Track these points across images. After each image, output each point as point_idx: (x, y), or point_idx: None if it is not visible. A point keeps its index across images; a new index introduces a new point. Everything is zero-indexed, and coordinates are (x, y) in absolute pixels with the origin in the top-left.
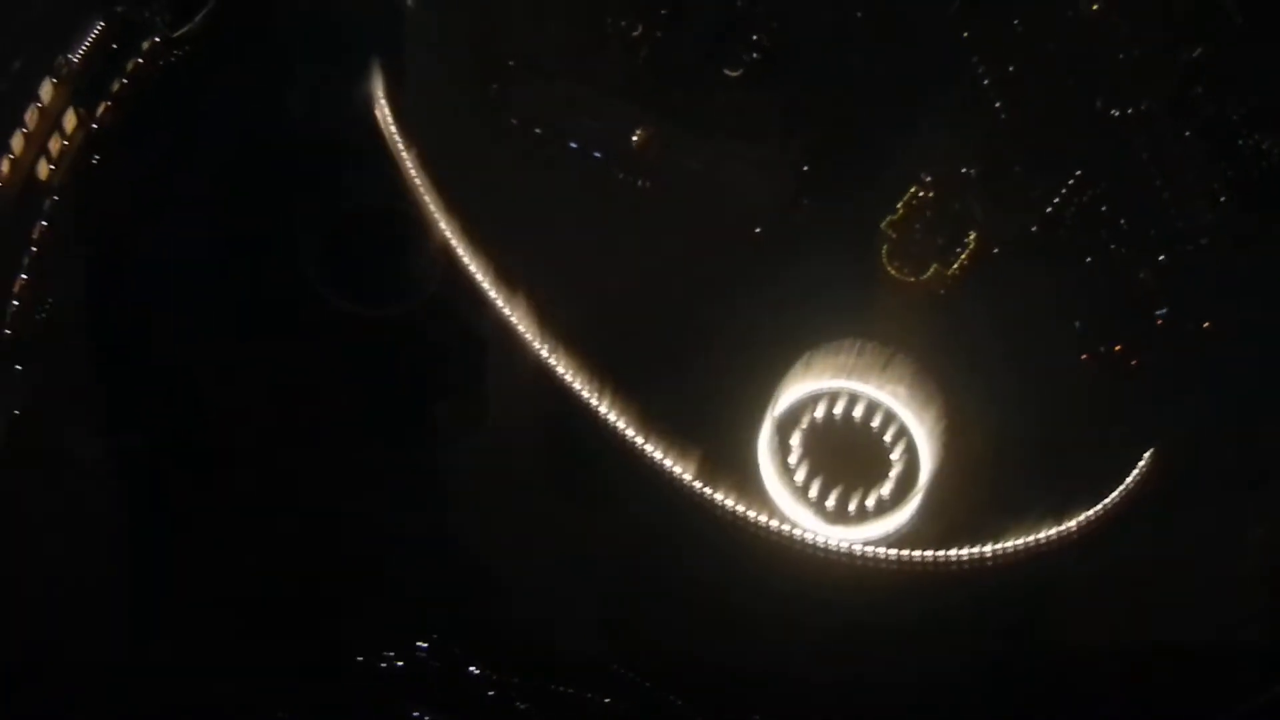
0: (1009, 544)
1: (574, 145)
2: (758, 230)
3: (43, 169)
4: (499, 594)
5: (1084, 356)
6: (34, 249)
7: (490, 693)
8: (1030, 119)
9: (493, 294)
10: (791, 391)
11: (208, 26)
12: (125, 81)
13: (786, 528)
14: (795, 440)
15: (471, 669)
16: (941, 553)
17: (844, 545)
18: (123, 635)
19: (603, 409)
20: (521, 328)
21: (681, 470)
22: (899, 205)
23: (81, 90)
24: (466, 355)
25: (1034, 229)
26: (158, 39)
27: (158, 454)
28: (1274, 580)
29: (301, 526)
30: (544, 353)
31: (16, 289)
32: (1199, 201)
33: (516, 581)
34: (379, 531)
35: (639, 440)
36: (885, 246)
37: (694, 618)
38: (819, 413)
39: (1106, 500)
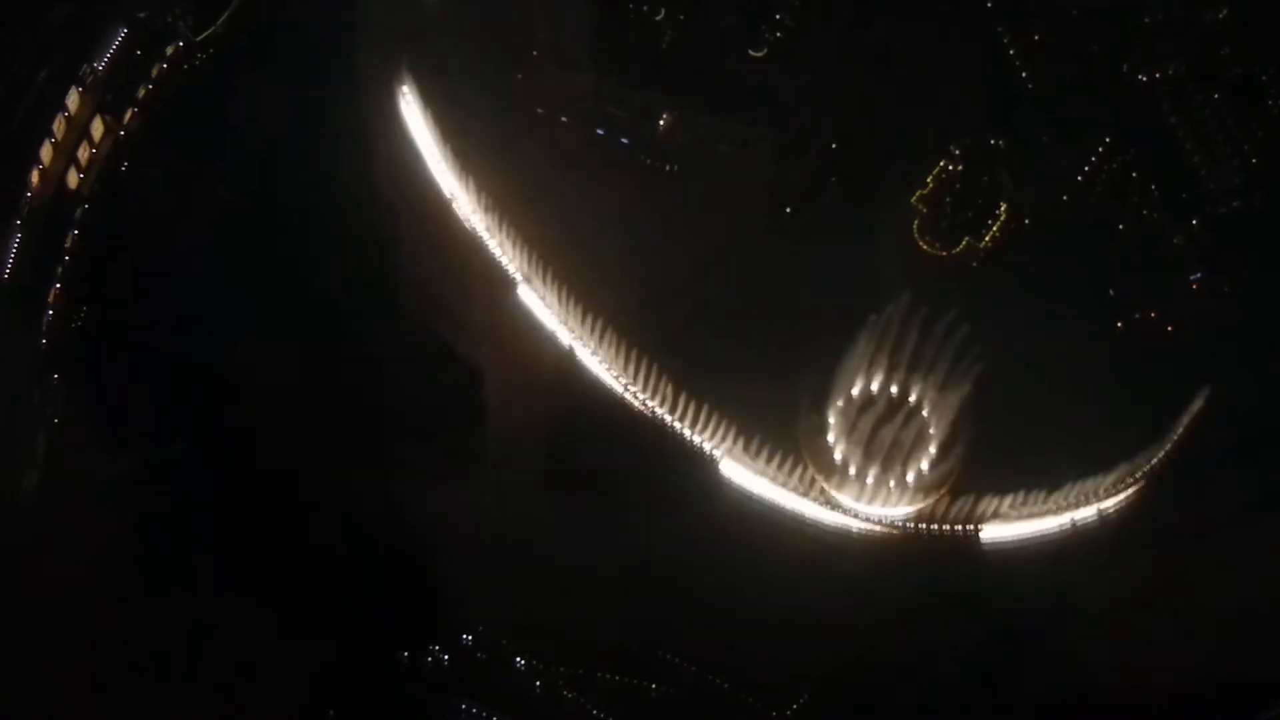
0: (1046, 525)
1: (601, 132)
2: (788, 210)
3: (72, 178)
4: (542, 585)
5: (1119, 324)
6: (67, 258)
7: (537, 683)
8: (1056, 86)
9: (524, 284)
10: (828, 370)
11: (231, 29)
12: (151, 87)
13: (826, 512)
14: (833, 418)
15: (518, 660)
16: (977, 529)
17: (876, 526)
18: (164, 636)
19: (636, 396)
20: (553, 317)
21: (718, 454)
22: (928, 179)
23: (108, 98)
24: (499, 347)
25: (1064, 198)
26: (181, 43)
27: (195, 459)
28: None
29: (342, 526)
30: (577, 343)
31: (51, 298)
32: (1229, 163)
33: (560, 572)
34: (420, 527)
35: (674, 427)
36: (916, 221)
37: (737, 601)
38: (856, 390)
39: (1140, 472)
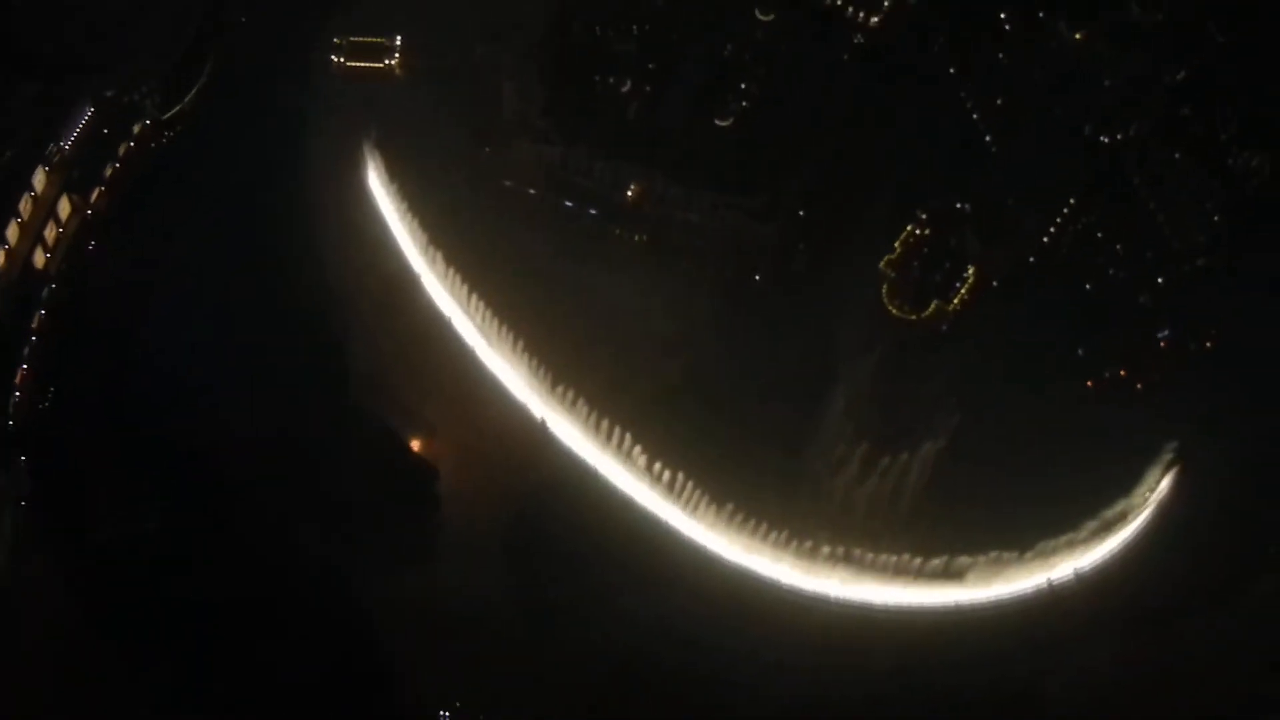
0: (1020, 588)
1: (569, 203)
2: (757, 278)
3: (39, 258)
4: (517, 659)
5: (1088, 383)
6: (34, 338)
7: None
8: (1021, 150)
9: (494, 356)
10: (801, 435)
11: (198, 107)
12: (118, 166)
13: (802, 577)
14: (806, 483)
15: None
16: (951, 597)
17: (852, 592)
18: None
19: (605, 464)
20: (524, 389)
21: (693, 524)
22: (896, 244)
23: (74, 177)
24: (470, 420)
25: (1031, 259)
26: (148, 122)
27: (167, 536)
28: None
29: (316, 605)
30: (549, 414)
31: (18, 379)
32: (1193, 221)
33: (533, 646)
34: (396, 602)
35: (647, 498)
36: (885, 286)
37: (711, 678)
38: (829, 454)
39: (1119, 536)
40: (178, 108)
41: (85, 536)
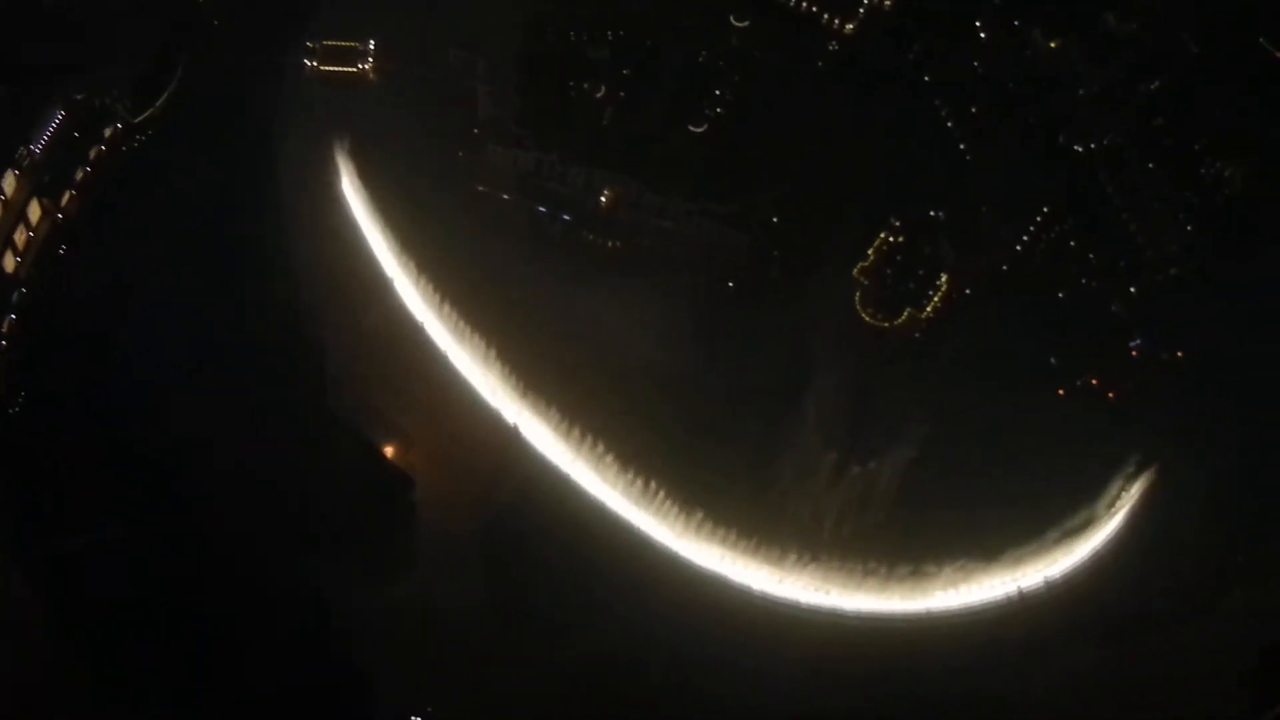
0: (990, 596)
1: (543, 209)
2: (730, 285)
3: (9, 261)
4: (491, 666)
5: (1060, 391)
6: (3, 343)
7: None
8: (995, 159)
9: (466, 361)
10: (774, 443)
11: (170, 110)
12: (89, 169)
13: (775, 584)
14: (779, 491)
15: None
16: (921, 606)
17: (825, 599)
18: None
19: (578, 470)
20: (497, 395)
21: (667, 531)
22: (869, 251)
23: (45, 181)
24: (442, 426)
25: (1005, 267)
26: (119, 125)
27: (140, 544)
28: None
29: (291, 608)
30: (519, 420)
31: None
32: (1166, 231)
33: (507, 653)
34: (370, 609)
35: (620, 504)
36: (858, 293)
37: (686, 685)
38: (801, 462)
39: (1089, 544)
40: (149, 111)
41: (55, 543)
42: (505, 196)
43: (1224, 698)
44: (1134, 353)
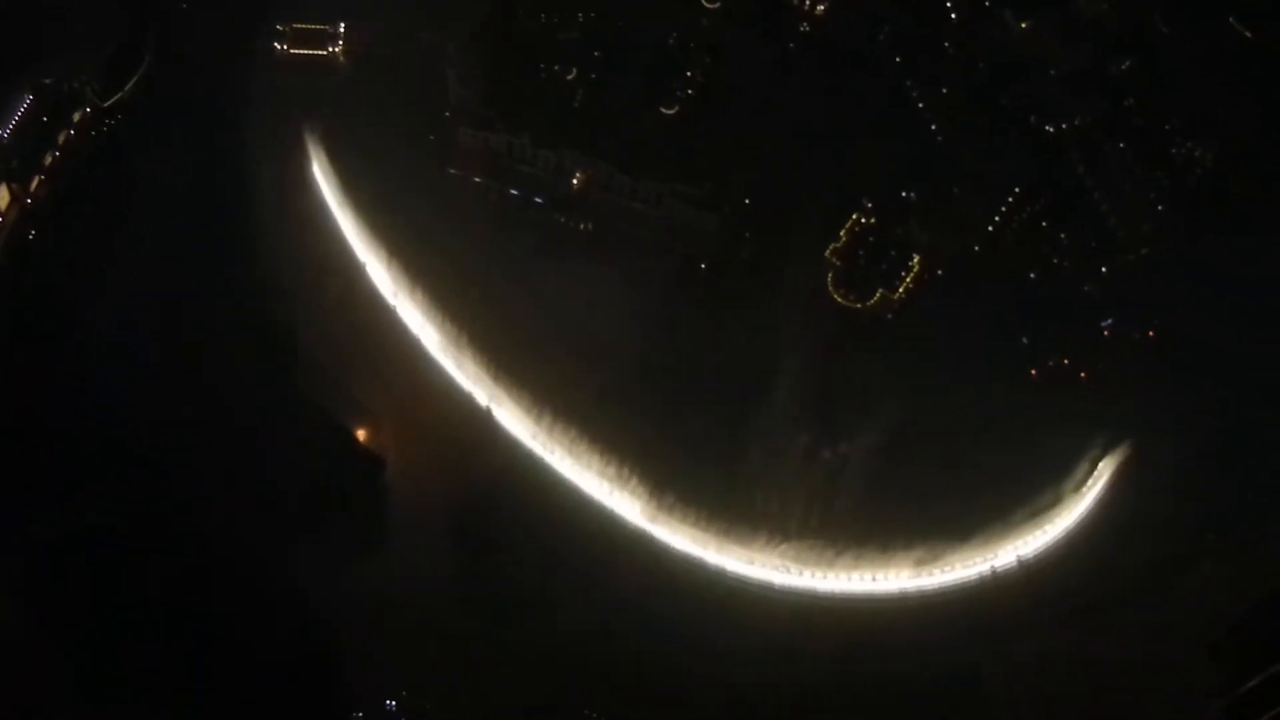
0: (961, 576)
1: (514, 192)
2: (703, 266)
3: None
4: (465, 648)
5: (1033, 371)
6: None
7: None
8: (966, 140)
9: (438, 343)
10: (746, 423)
11: (139, 95)
12: (58, 154)
13: (747, 566)
14: (751, 471)
15: None
16: (892, 586)
17: (797, 580)
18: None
19: (550, 452)
20: (468, 379)
21: (629, 511)
22: (842, 233)
23: (13, 165)
24: (414, 411)
25: (976, 248)
26: (88, 109)
27: (108, 532)
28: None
29: (264, 592)
30: (491, 402)
31: None
32: (1137, 211)
33: (479, 633)
34: (343, 592)
35: (585, 483)
36: (830, 274)
37: (658, 665)
38: (773, 442)
39: (1060, 524)
40: (118, 95)
41: (27, 530)
42: (476, 179)
43: (1194, 674)
44: (1105, 332)
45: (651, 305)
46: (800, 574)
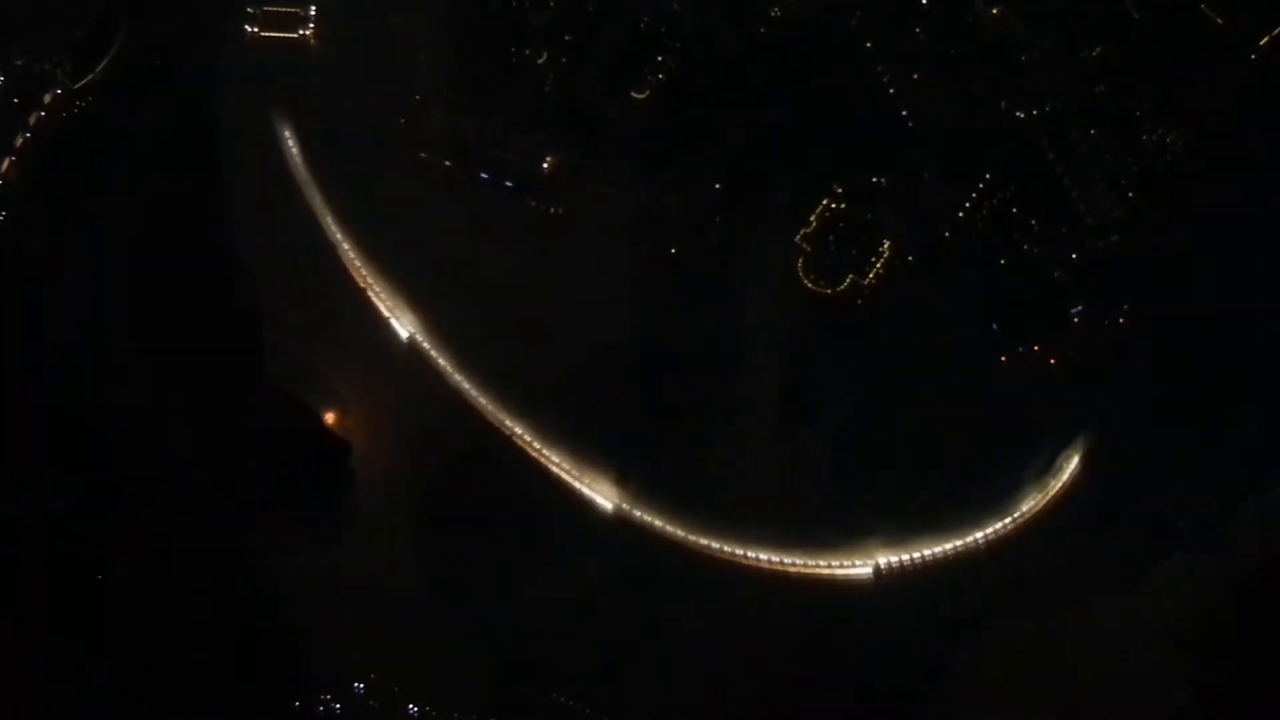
0: (927, 560)
1: (485, 176)
2: (673, 251)
3: None
4: (434, 631)
5: (1002, 358)
6: None
7: None
8: (937, 125)
9: (406, 327)
10: (716, 410)
11: (111, 76)
12: (28, 135)
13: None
14: (722, 458)
15: (410, 706)
16: (861, 563)
17: (768, 563)
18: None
19: (525, 444)
20: (439, 365)
21: (597, 493)
22: (812, 218)
23: None
24: (384, 396)
25: (946, 234)
26: (59, 91)
27: (78, 510)
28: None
29: (229, 574)
30: (463, 384)
31: None
32: (1108, 198)
33: (450, 619)
34: (310, 575)
35: (559, 470)
36: (800, 260)
37: (629, 645)
38: (744, 429)
39: (1029, 509)
40: (90, 77)
41: None
42: (447, 163)
43: (1160, 663)
44: (1075, 319)
45: (621, 288)
46: (765, 559)
